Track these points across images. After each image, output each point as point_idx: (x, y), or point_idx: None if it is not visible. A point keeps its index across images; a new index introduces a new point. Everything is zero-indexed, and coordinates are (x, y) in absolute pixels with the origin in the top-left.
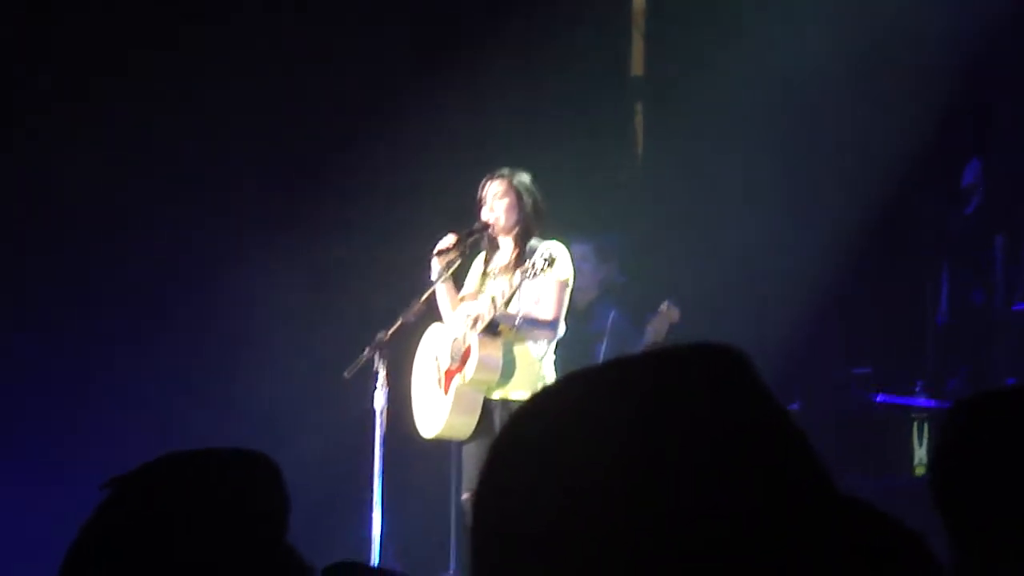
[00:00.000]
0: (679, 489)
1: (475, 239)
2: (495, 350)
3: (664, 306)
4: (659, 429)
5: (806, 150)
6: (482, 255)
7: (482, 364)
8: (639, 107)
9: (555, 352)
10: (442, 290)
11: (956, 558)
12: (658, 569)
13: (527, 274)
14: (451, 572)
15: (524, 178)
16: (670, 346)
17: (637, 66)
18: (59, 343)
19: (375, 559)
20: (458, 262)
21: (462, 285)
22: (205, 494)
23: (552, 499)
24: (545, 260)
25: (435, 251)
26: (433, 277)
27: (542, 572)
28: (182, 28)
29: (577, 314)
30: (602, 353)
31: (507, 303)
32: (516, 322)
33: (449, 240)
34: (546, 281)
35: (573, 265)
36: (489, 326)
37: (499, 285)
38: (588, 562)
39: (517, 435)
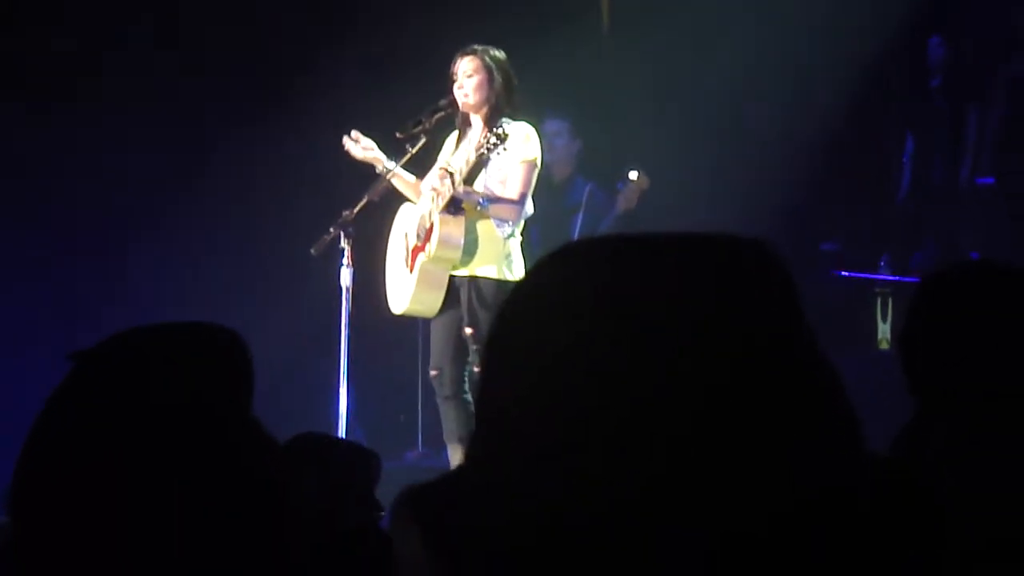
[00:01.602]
0: (684, 367)
1: (441, 117)
2: (457, 228)
3: (634, 175)
4: (680, 318)
5: (777, 25)
6: (455, 133)
7: (443, 241)
8: None
9: (523, 232)
10: (398, 183)
11: (919, 416)
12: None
13: (480, 151)
14: (419, 450)
15: (497, 54)
16: (703, 234)
17: None
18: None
19: (342, 434)
20: (422, 140)
21: (433, 162)
22: (170, 367)
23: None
24: (498, 137)
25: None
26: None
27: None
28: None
29: (554, 188)
30: (579, 225)
31: (464, 180)
32: (479, 200)
33: (350, 139)
34: (512, 161)
35: (543, 144)
36: (451, 203)
37: (460, 159)
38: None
39: (536, 287)
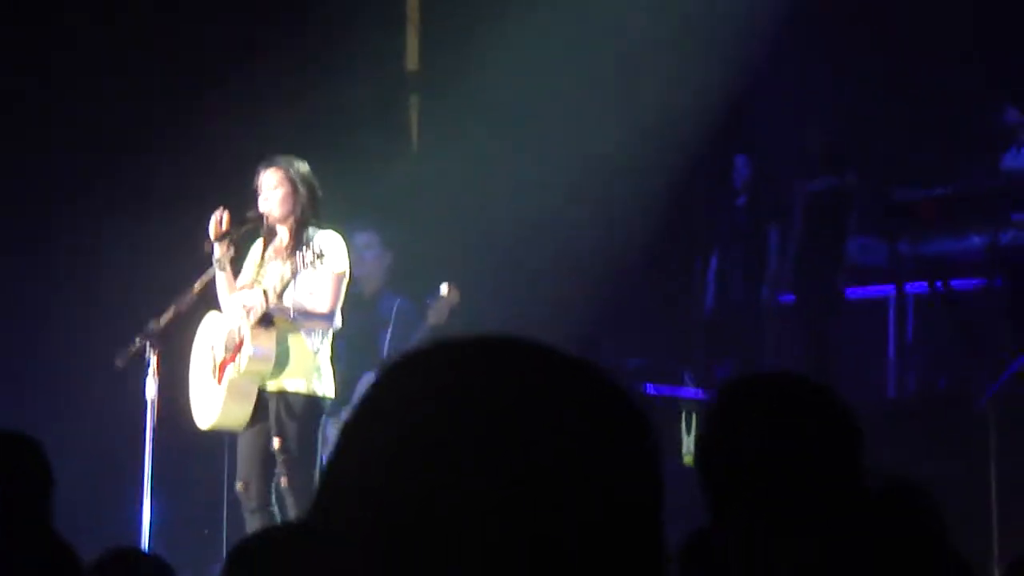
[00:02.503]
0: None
1: (248, 229)
2: (268, 341)
3: (444, 289)
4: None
5: (582, 141)
6: (259, 242)
7: (255, 355)
8: (414, 100)
9: (332, 344)
10: (220, 277)
11: (714, 525)
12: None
13: (296, 266)
14: (222, 564)
15: (300, 166)
16: (492, 336)
17: (412, 60)
18: None
19: (145, 548)
20: (231, 251)
21: (239, 271)
22: None
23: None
24: (316, 254)
25: (210, 234)
26: (213, 263)
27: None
28: None
29: (364, 302)
30: (388, 340)
31: (279, 295)
32: (290, 314)
33: (220, 217)
34: (322, 273)
35: (352, 255)
36: (263, 317)
37: (273, 275)
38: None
39: (377, 400)
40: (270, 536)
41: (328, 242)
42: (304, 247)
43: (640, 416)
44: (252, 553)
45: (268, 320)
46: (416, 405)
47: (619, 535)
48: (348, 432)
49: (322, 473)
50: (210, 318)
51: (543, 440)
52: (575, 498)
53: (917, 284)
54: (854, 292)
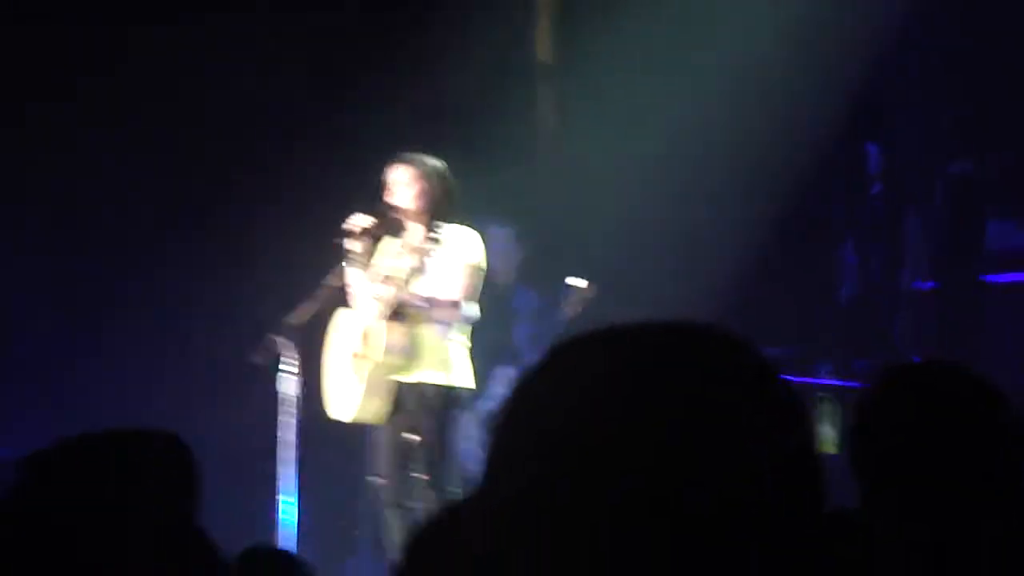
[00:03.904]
0: (670, 461)
1: (383, 224)
2: (401, 334)
3: (578, 282)
4: (659, 406)
5: (713, 133)
6: (392, 239)
7: (388, 348)
8: (548, 92)
9: (469, 336)
10: (356, 274)
11: (869, 519)
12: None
13: (420, 255)
14: (360, 558)
15: (433, 162)
16: (671, 323)
17: (544, 51)
18: None
19: (285, 544)
20: (368, 248)
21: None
22: (115, 475)
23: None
24: (435, 240)
25: (346, 232)
26: (347, 259)
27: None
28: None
29: (497, 296)
30: (522, 334)
31: (407, 283)
32: (423, 304)
33: (358, 220)
34: (455, 264)
35: (488, 249)
36: (396, 310)
37: (404, 267)
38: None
39: (524, 398)
40: (437, 525)
41: (461, 235)
42: (436, 241)
43: (801, 401)
44: (425, 543)
45: (401, 313)
46: (594, 385)
47: (789, 511)
48: (518, 409)
49: (491, 450)
50: (343, 313)
51: (718, 423)
52: (750, 481)
53: None
54: (996, 277)
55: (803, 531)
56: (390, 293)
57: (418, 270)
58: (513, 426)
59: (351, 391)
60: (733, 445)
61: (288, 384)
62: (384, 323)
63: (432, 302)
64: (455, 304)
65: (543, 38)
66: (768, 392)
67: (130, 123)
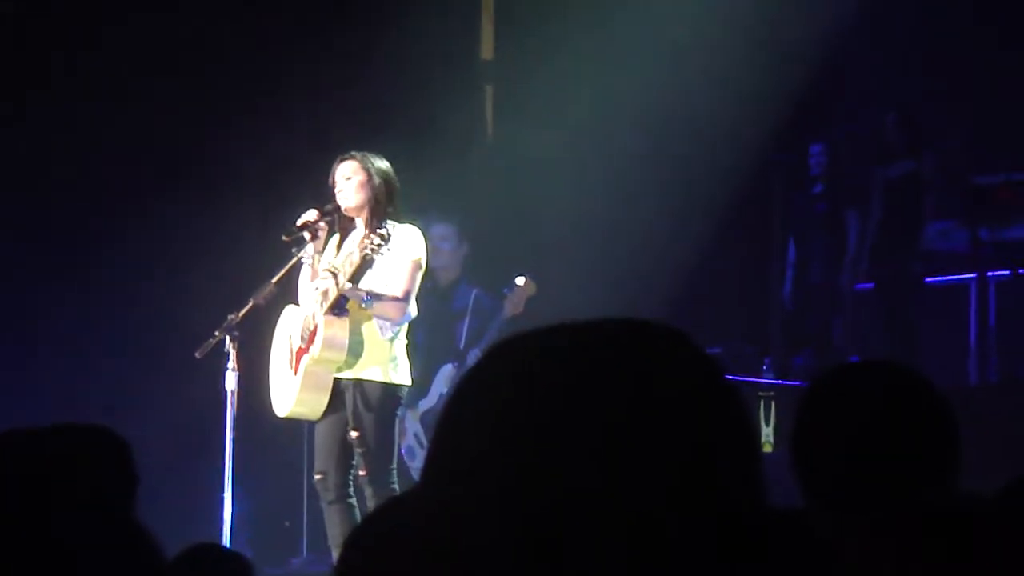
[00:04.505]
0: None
1: (328, 221)
2: (341, 329)
3: (521, 280)
4: (598, 399)
5: (661, 133)
6: (336, 237)
7: (327, 343)
8: (489, 90)
9: (408, 334)
10: (304, 271)
11: (811, 518)
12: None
13: (364, 251)
14: (303, 557)
15: (375, 160)
16: (611, 320)
17: (487, 50)
18: None
19: (226, 542)
20: (314, 244)
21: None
22: (50, 470)
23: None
24: (381, 236)
25: (294, 228)
26: (295, 256)
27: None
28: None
29: (440, 293)
30: (464, 331)
31: (350, 279)
32: (364, 297)
33: (310, 215)
34: (396, 260)
35: (429, 246)
36: (335, 304)
37: (347, 260)
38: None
39: (464, 397)
40: (381, 516)
41: (404, 232)
42: (382, 237)
43: (741, 394)
44: (366, 536)
45: (341, 308)
46: (531, 380)
47: (733, 503)
48: (458, 407)
49: (434, 445)
50: (290, 309)
51: (659, 417)
52: (692, 474)
53: (998, 270)
54: (934, 278)
55: (747, 523)
56: (332, 286)
57: (362, 266)
58: (455, 424)
59: (288, 386)
60: (674, 438)
61: (229, 380)
62: (324, 317)
63: (374, 296)
64: (397, 300)
65: (486, 37)
66: (709, 385)
67: (76, 117)
